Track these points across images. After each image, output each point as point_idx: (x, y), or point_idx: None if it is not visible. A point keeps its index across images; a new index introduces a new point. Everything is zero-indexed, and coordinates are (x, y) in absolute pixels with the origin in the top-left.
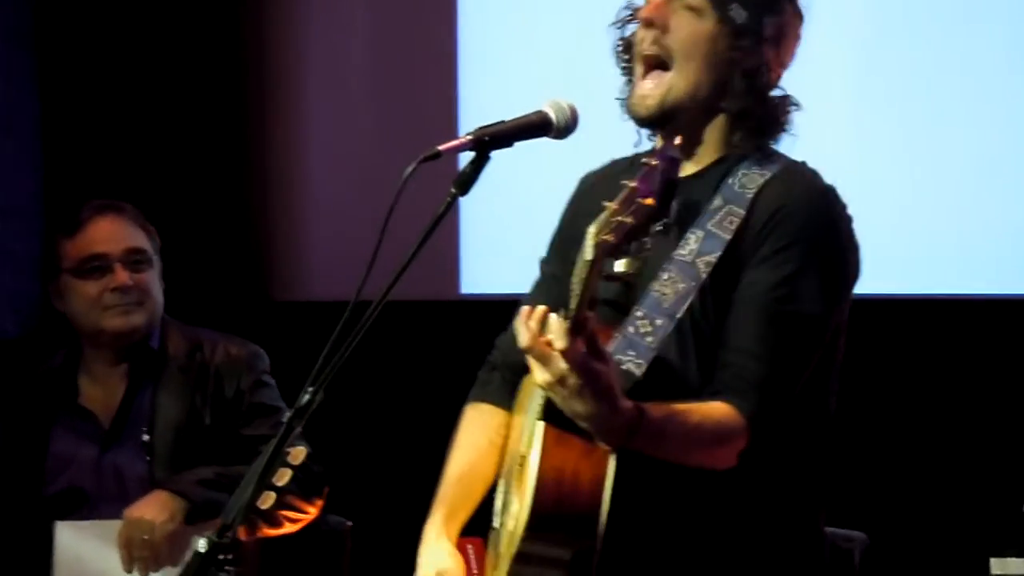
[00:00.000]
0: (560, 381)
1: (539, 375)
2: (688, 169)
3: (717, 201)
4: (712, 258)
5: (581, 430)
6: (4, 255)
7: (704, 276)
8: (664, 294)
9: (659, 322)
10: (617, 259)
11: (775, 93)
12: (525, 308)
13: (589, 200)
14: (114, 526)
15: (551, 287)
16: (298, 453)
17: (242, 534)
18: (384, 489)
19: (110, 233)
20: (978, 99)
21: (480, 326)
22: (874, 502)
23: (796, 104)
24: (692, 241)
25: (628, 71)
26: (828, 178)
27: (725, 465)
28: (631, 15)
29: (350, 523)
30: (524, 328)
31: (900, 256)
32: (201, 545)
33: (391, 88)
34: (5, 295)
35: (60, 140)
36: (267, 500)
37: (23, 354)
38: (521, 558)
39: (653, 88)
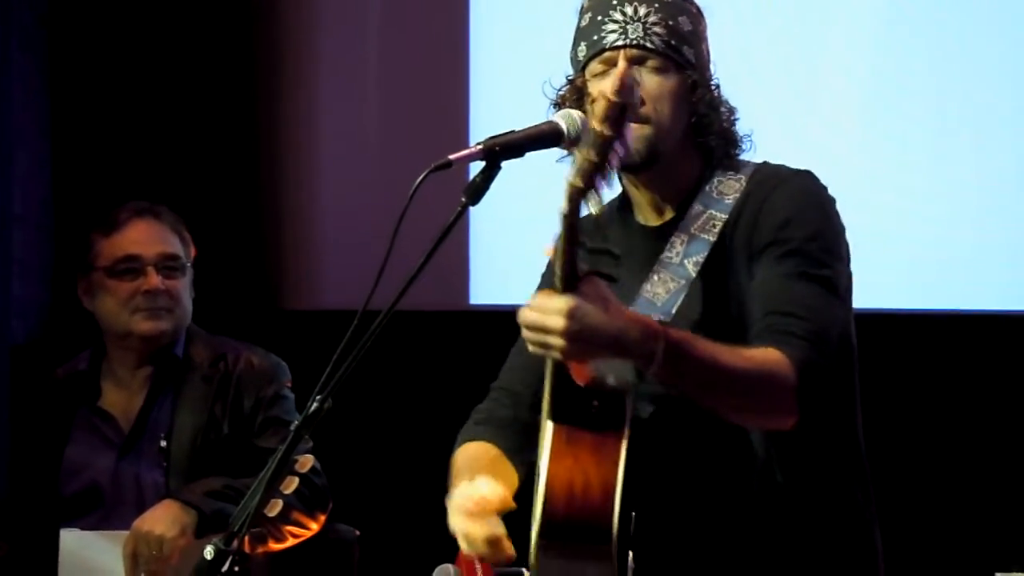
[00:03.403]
0: (568, 332)
1: (550, 342)
2: (673, 199)
3: (697, 207)
4: (700, 258)
5: (591, 426)
6: (14, 263)
7: (694, 275)
8: (656, 293)
9: (657, 319)
10: (588, 201)
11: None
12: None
13: None
14: (120, 537)
15: None
16: (305, 461)
17: (247, 548)
18: (392, 498)
19: (146, 236)
20: (990, 117)
21: (488, 337)
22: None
23: (734, 109)
24: (677, 244)
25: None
26: (834, 192)
27: (778, 418)
28: (575, 89)
29: (358, 532)
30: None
31: (902, 271)
32: (208, 553)
33: (402, 98)
34: (14, 302)
35: (71, 149)
36: (274, 507)
37: (36, 359)
38: (541, 567)
39: (635, 133)
